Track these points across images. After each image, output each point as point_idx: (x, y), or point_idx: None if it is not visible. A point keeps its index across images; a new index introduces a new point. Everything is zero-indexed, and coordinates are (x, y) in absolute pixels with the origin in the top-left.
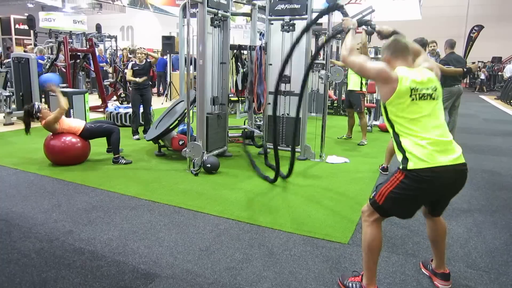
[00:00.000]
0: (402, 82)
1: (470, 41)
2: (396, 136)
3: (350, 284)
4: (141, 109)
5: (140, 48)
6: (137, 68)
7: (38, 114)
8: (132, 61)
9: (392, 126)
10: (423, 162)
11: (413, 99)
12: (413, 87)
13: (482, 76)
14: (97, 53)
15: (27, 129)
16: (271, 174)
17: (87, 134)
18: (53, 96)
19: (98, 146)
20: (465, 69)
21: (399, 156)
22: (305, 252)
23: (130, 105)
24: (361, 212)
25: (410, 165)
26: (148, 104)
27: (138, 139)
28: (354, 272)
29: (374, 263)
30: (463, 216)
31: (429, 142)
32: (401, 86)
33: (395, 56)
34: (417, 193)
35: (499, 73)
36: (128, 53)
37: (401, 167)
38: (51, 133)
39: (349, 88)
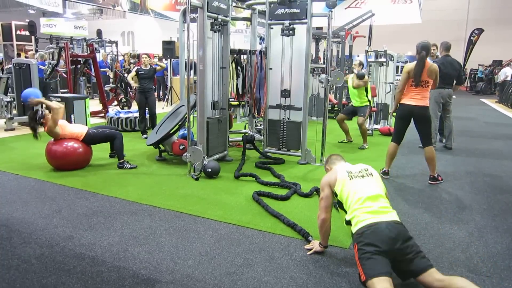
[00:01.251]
0: (340, 172)
1: (470, 44)
2: (344, 212)
3: None
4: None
5: (145, 55)
6: (142, 72)
7: (41, 120)
8: (137, 65)
9: (342, 207)
10: (361, 223)
11: (350, 178)
12: (349, 171)
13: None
14: (100, 58)
15: (35, 134)
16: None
17: (89, 140)
18: (54, 101)
19: (99, 151)
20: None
21: (349, 229)
22: (306, 256)
23: (131, 110)
24: None
25: (353, 229)
26: (153, 107)
27: (146, 137)
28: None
29: None
30: (465, 220)
31: (366, 208)
32: (341, 174)
33: (333, 164)
34: (371, 246)
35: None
36: (130, 58)
37: (352, 238)
38: (54, 139)
39: (357, 104)
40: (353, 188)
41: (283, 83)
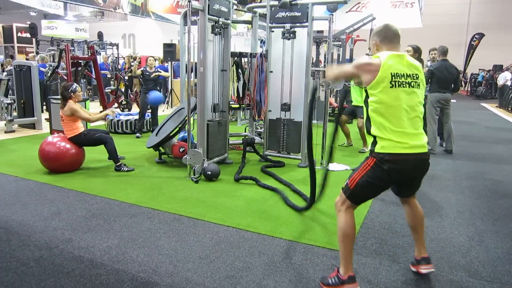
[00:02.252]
0: (384, 67)
1: (471, 49)
2: (368, 120)
3: (330, 281)
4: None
5: (152, 57)
6: (147, 73)
7: (71, 94)
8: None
9: (367, 110)
10: (389, 149)
11: (392, 86)
12: (394, 73)
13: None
14: (101, 61)
15: (64, 104)
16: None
17: (80, 140)
18: (54, 103)
19: (98, 153)
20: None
21: (369, 139)
22: (306, 260)
23: (131, 112)
24: (335, 204)
25: (378, 148)
26: (155, 108)
27: (138, 137)
28: (333, 266)
29: (350, 251)
30: (465, 225)
31: (398, 132)
32: (383, 71)
33: (384, 43)
34: (384, 177)
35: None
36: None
37: (369, 149)
38: (62, 118)
39: (354, 104)
40: (393, 100)
41: (283, 87)
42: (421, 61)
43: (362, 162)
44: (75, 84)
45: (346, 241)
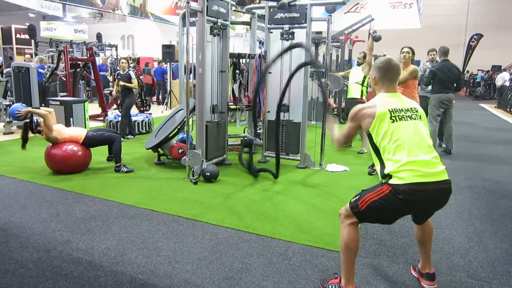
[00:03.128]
0: (380, 106)
1: (470, 49)
2: (382, 164)
3: (330, 287)
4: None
5: (122, 59)
6: (120, 77)
7: (38, 127)
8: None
9: (377, 153)
10: (406, 180)
11: (393, 121)
12: (392, 109)
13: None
14: (100, 62)
15: (24, 145)
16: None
17: (89, 142)
18: (53, 104)
19: (97, 154)
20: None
21: (386, 179)
22: (305, 261)
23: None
24: (339, 214)
25: (392, 181)
26: (124, 109)
27: (129, 138)
28: (335, 274)
29: (352, 263)
30: (464, 225)
31: (412, 161)
32: (380, 111)
33: (383, 82)
34: (400, 209)
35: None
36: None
37: (384, 181)
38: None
39: (350, 96)
40: (398, 133)
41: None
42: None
43: (376, 185)
44: (34, 118)
45: (349, 254)
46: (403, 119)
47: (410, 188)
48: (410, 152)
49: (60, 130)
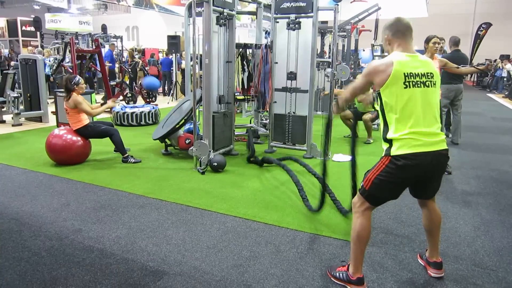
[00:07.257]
0: (396, 67)
1: (478, 39)
2: (386, 125)
3: (338, 274)
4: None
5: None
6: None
7: (74, 86)
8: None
9: (383, 115)
10: (406, 148)
11: (406, 87)
12: (407, 73)
13: (504, 74)
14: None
15: (68, 95)
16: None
17: (86, 132)
18: (60, 96)
19: (106, 145)
20: (479, 69)
21: (385, 145)
22: (312, 249)
23: (136, 105)
24: (352, 204)
25: (393, 151)
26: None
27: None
28: (342, 262)
29: (361, 252)
30: (471, 215)
31: (415, 131)
32: (396, 71)
33: (396, 37)
34: (401, 176)
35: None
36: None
37: (385, 152)
38: (67, 111)
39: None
40: (408, 100)
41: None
42: None
43: (376, 162)
44: (78, 76)
45: (359, 243)
46: (416, 85)
47: (408, 154)
48: (415, 122)
49: (81, 102)
